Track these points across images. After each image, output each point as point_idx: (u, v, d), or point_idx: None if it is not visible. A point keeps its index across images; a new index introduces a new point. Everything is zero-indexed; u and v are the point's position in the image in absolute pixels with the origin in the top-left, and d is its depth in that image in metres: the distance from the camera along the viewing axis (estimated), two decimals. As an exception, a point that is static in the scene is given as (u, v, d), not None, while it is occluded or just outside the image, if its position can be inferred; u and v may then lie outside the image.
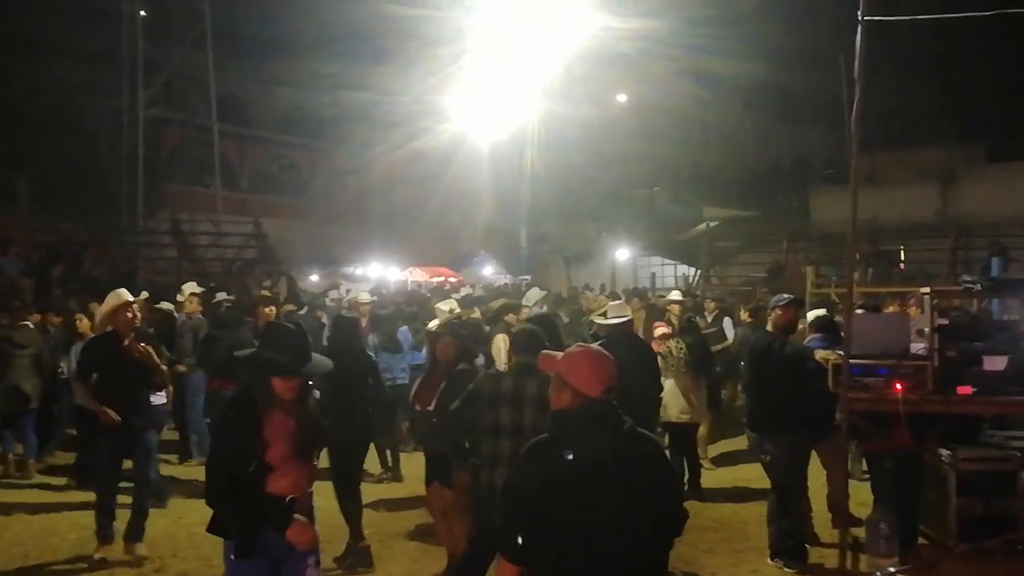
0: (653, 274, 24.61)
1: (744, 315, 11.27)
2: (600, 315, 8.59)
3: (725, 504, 8.27)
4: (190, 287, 11.52)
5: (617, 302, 9.24)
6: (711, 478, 9.11)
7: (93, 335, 8.14)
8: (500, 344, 7.95)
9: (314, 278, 24.13)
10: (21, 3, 24.55)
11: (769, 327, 7.02)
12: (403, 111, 27.98)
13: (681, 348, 8.99)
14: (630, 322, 8.28)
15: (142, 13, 25.19)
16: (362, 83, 28.39)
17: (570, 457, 3.02)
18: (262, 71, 31.09)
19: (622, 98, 30.67)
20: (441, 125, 25.86)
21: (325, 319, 12.41)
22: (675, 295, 12.22)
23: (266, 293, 11.86)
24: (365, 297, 12.20)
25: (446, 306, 9.05)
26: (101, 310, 7.46)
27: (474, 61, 21.19)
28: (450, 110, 24.90)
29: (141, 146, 25.38)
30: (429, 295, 17.04)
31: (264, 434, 3.95)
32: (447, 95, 24.30)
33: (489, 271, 29.65)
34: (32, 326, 10.13)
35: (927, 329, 6.42)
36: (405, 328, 11.20)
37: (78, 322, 9.85)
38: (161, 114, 27.44)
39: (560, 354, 3.29)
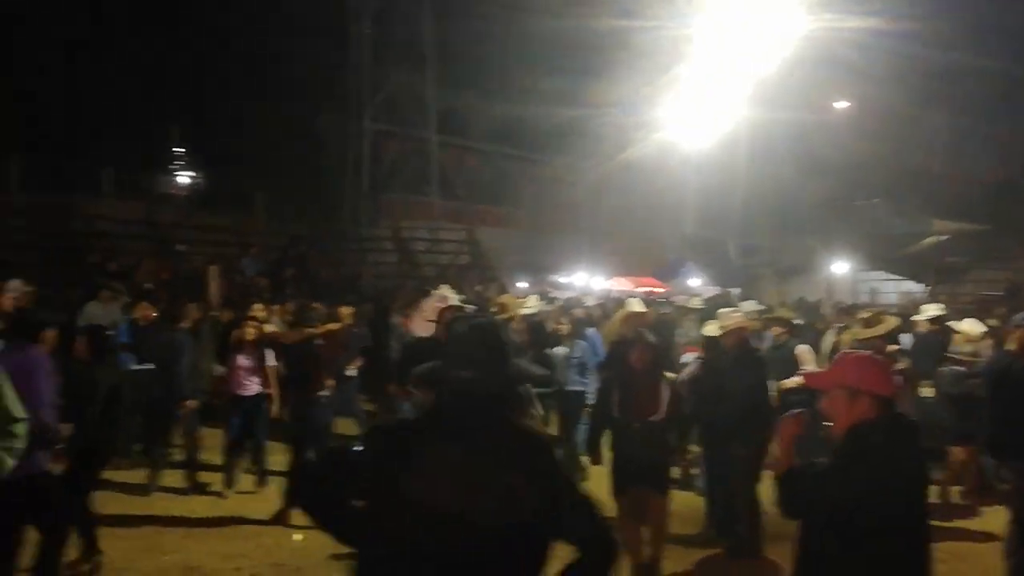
0: (873, 289, 23.41)
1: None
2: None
3: (953, 532, 7.75)
4: (447, 289, 11.99)
5: (726, 309, 8.32)
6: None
7: None
8: None
9: (523, 284, 24.64)
10: (261, 24, 26.55)
11: (1012, 347, 6.56)
12: (614, 123, 28.09)
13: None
14: (740, 330, 7.60)
15: (367, 31, 26.59)
16: (575, 97, 28.68)
17: (875, 473, 2.91)
18: (479, 86, 32.07)
19: (841, 104, 29.45)
20: (651, 136, 25.70)
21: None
22: (932, 310, 10.64)
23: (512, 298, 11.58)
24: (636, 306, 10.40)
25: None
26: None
27: (686, 70, 20.93)
28: (660, 120, 24.70)
29: (367, 157, 26.81)
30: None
31: None
32: (658, 106, 24.13)
33: (696, 282, 29.21)
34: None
35: None
36: (593, 330, 11.02)
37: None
38: (383, 127, 28.89)
39: (823, 370, 3.21)
